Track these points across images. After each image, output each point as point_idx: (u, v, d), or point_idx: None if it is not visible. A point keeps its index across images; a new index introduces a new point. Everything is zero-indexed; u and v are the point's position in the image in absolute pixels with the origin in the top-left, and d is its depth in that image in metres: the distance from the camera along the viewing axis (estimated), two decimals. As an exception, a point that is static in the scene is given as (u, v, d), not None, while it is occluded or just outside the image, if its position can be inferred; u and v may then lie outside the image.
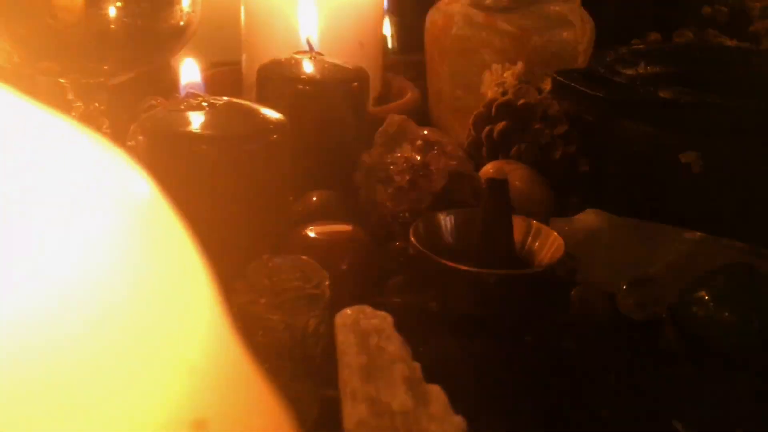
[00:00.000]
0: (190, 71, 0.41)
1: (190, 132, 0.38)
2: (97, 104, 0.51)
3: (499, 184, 0.41)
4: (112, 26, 0.46)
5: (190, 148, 0.38)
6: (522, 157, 0.58)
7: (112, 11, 0.45)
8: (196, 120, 0.39)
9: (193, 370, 0.12)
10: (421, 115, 0.74)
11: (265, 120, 0.41)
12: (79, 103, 0.51)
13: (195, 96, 0.40)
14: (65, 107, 0.51)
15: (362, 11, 0.69)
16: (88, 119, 0.51)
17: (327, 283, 0.37)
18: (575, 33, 0.67)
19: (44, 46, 0.46)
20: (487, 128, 0.60)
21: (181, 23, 0.48)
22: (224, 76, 0.74)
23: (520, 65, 0.63)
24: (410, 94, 0.73)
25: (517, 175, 0.55)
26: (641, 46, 0.61)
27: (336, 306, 0.38)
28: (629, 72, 0.56)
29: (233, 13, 0.72)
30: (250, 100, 0.70)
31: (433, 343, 0.40)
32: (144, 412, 0.12)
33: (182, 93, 0.40)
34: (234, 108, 0.41)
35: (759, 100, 0.45)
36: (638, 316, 0.43)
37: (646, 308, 0.43)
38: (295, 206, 0.46)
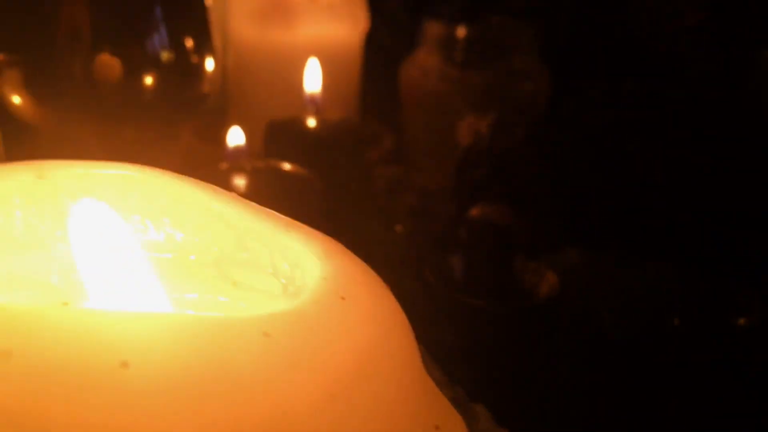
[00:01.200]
0: (236, 137, 0.46)
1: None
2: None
3: (501, 230, 0.47)
4: (147, 96, 0.50)
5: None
6: (503, 199, 0.65)
7: (147, 81, 0.50)
8: (242, 183, 0.44)
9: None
10: (398, 158, 0.80)
11: (304, 180, 0.46)
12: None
13: (240, 160, 0.45)
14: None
15: (343, 62, 0.75)
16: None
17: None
18: (536, 84, 0.75)
19: (81, 113, 0.50)
20: (468, 175, 0.67)
21: (206, 90, 0.53)
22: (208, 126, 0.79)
23: (492, 116, 0.70)
24: (387, 140, 0.79)
25: (501, 216, 0.62)
26: (595, 96, 0.69)
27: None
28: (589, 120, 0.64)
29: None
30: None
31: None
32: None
33: (229, 157, 0.45)
34: (274, 170, 0.46)
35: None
36: (621, 336, 0.50)
37: (628, 330, 0.50)
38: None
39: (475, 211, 0.63)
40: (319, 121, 0.60)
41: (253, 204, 0.23)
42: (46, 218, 0.20)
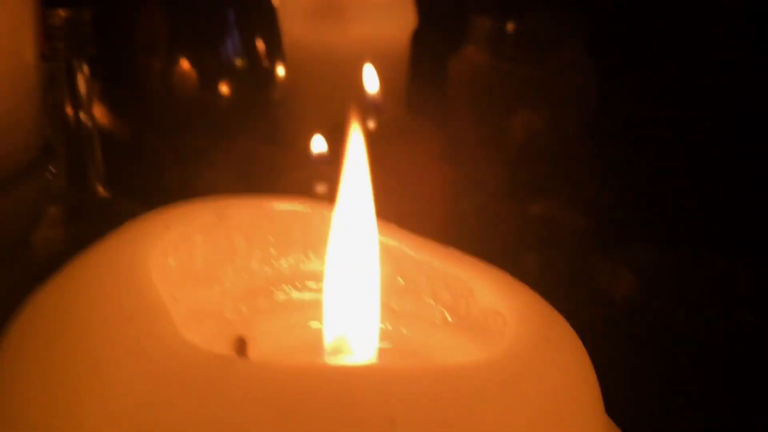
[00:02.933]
0: (318, 144, 0.46)
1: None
2: (191, 170, 0.55)
3: (573, 228, 0.47)
4: (219, 101, 0.51)
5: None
6: (561, 197, 0.65)
7: (218, 88, 0.50)
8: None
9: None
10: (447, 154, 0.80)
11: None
12: (175, 168, 0.55)
13: (322, 168, 0.45)
14: (161, 172, 0.56)
15: (393, 62, 0.75)
16: (183, 185, 0.56)
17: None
18: (586, 77, 0.75)
19: (160, 119, 0.50)
20: (525, 173, 0.67)
21: (278, 96, 0.53)
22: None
23: (546, 111, 0.70)
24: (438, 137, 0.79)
25: (561, 213, 0.62)
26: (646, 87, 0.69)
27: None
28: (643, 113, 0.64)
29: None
30: (291, 148, 0.76)
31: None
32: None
33: (312, 165, 0.45)
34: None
35: None
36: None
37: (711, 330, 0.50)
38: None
39: (538, 209, 0.63)
40: (380, 123, 0.60)
41: (410, 233, 0.23)
42: (221, 253, 0.21)
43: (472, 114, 0.76)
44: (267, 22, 0.51)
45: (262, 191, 0.62)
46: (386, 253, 0.22)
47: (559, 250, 0.51)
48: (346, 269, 0.20)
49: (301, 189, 0.45)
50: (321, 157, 0.46)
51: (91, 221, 0.37)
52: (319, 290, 0.22)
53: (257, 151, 0.71)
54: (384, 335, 0.22)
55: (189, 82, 0.48)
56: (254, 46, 0.50)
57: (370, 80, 0.60)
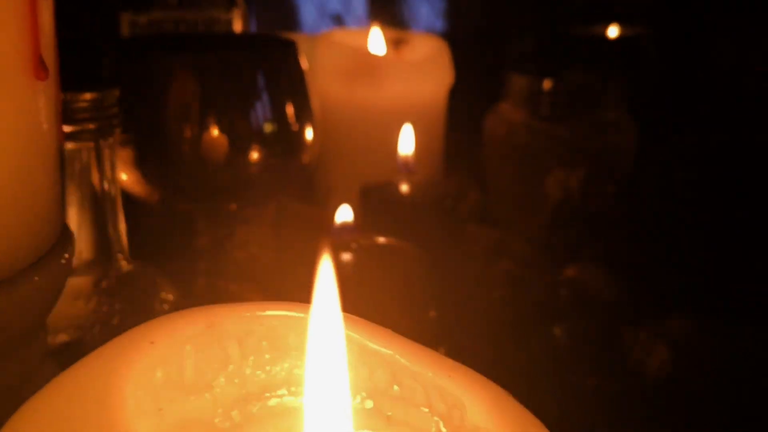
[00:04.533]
0: (345, 214, 0.46)
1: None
2: (224, 230, 0.56)
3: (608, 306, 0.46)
4: (251, 168, 0.51)
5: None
6: (595, 261, 0.64)
7: (252, 155, 0.51)
8: (347, 261, 0.44)
9: None
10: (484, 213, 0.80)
11: (408, 258, 0.46)
12: (207, 231, 0.56)
13: (345, 236, 0.45)
14: (193, 234, 0.57)
15: (429, 117, 0.76)
16: (215, 244, 0.56)
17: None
18: (623, 137, 0.74)
19: (191, 190, 0.51)
20: (561, 233, 0.66)
21: (307, 160, 0.54)
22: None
23: (582, 170, 0.69)
24: (473, 195, 0.78)
25: (595, 278, 0.61)
26: (684, 148, 0.68)
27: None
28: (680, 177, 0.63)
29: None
30: (324, 205, 0.77)
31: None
32: None
33: (336, 232, 0.46)
34: (378, 247, 0.46)
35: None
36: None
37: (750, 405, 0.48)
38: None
39: (570, 274, 0.62)
40: (413, 185, 0.60)
41: (408, 340, 0.23)
42: (212, 362, 0.21)
43: (507, 173, 0.75)
44: (297, 86, 0.52)
45: (293, 250, 0.61)
46: (383, 362, 0.22)
47: (591, 319, 0.49)
48: (322, 375, 0.20)
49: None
50: (344, 227, 0.46)
51: (114, 295, 0.38)
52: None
53: (290, 208, 0.71)
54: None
55: (220, 148, 0.49)
56: (284, 110, 0.51)
57: (406, 141, 0.61)
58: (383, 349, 0.22)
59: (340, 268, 0.45)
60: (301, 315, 0.22)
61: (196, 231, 0.56)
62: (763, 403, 0.46)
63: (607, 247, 0.64)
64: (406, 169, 0.60)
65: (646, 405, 0.45)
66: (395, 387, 0.22)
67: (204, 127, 0.50)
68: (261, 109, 0.51)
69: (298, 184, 0.55)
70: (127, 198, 0.53)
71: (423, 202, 0.58)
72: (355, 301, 0.45)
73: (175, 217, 0.57)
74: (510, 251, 0.56)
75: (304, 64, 0.54)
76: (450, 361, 0.22)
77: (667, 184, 0.64)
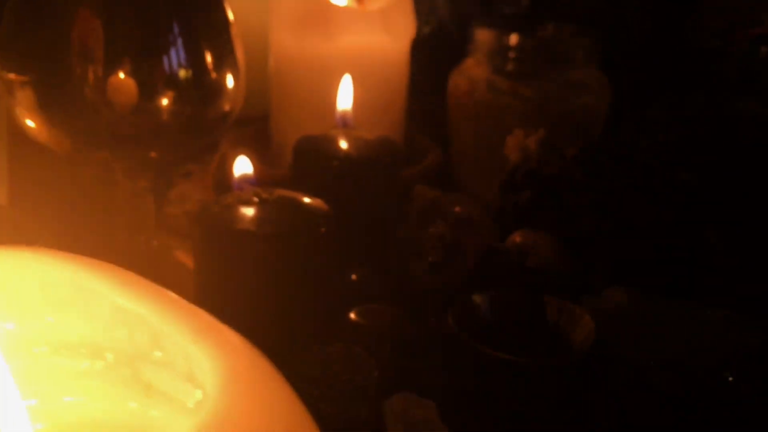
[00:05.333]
0: (243, 166, 0.43)
1: (245, 229, 0.40)
2: (143, 182, 0.53)
3: (532, 275, 0.43)
4: (163, 116, 0.48)
5: (244, 244, 0.40)
6: (547, 227, 0.60)
7: (162, 102, 0.48)
8: (250, 215, 0.41)
9: None
10: (444, 175, 0.76)
11: (314, 212, 0.43)
12: (125, 182, 0.53)
13: (248, 190, 0.42)
14: (113, 186, 0.54)
15: (389, 73, 0.72)
16: (134, 197, 0.54)
17: (376, 373, 0.39)
18: (594, 97, 0.69)
19: (99, 137, 0.48)
20: (512, 196, 0.62)
21: (227, 108, 0.51)
22: (251, 136, 0.77)
23: (541, 132, 0.65)
24: (432, 156, 0.75)
25: (543, 245, 0.57)
26: (655, 114, 0.64)
27: (382, 391, 0.40)
28: (647, 143, 0.58)
29: (259, 65, 0.75)
30: (279, 162, 0.73)
31: (479, 428, 0.42)
32: None
33: (235, 187, 0.43)
34: (283, 201, 0.43)
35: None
36: (669, 394, 0.45)
37: (677, 387, 0.45)
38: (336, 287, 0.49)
39: (511, 242, 0.58)
40: (352, 140, 0.56)
41: (173, 296, 0.19)
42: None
43: (468, 133, 0.72)
44: (217, 30, 0.48)
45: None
46: (142, 321, 0.19)
47: (516, 291, 0.46)
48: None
49: (223, 214, 0.42)
50: (244, 179, 0.42)
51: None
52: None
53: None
54: (130, 416, 0.19)
55: (127, 93, 0.46)
56: (201, 56, 0.47)
57: (344, 94, 0.57)
58: (142, 309, 0.19)
59: (237, 221, 0.42)
60: (37, 262, 0.19)
61: (116, 181, 0.53)
62: (686, 380, 0.42)
63: (560, 214, 0.60)
64: (343, 123, 0.57)
65: (568, 380, 0.42)
66: (157, 352, 0.19)
67: (110, 70, 0.46)
68: (174, 52, 0.47)
69: (218, 134, 0.51)
70: (35, 144, 0.50)
71: (361, 158, 0.55)
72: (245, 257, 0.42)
73: (93, 167, 0.55)
74: (447, 214, 0.53)
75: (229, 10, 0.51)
76: (209, 318, 0.19)
77: (633, 150, 0.60)
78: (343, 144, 0.56)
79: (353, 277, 0.49)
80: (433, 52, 0.76)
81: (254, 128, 0.78)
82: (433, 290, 0.51)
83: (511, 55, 0.68)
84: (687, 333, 0.47)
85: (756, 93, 0.83)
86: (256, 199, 0.41)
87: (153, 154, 0.51)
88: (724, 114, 0.68)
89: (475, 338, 0.43)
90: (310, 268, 0.42)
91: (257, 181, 0.43)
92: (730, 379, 0.43)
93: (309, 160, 0.55)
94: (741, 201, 0.50)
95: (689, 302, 0.48)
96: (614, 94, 0.73)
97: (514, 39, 0.69)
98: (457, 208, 0.53)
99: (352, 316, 0.43)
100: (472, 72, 0.71)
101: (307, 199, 0.45)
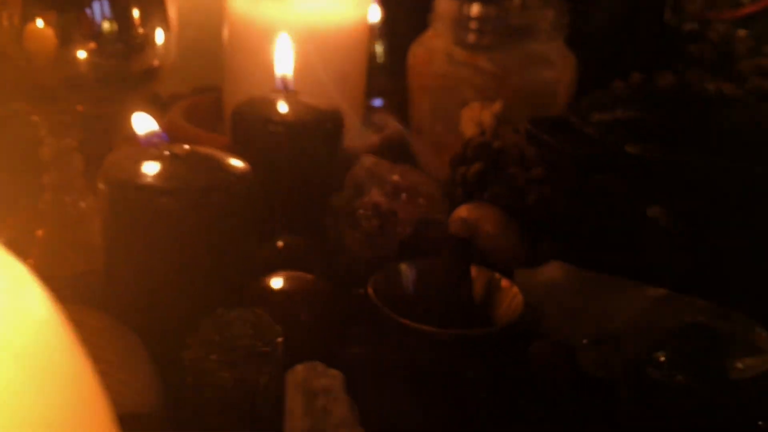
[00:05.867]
0: (143, 122, 0.41)
1: (151, 184, 0.38)
2: (69, 140, 0.51)
3: (460, 244, 0.41)
4: (84, 68, 0.46)
5: (150, 200, 0.38)
6: (495, 201, 0.58)
7: (82, 53, 0.46)
8: (158, 171, 0.39)
9: None
10: (405, 148, 0.74)
11: (229, 170, 0.41)
12: (51, 140, 0.51)
13: (158, 145, 0.40)
14: (37, 143, 0.52)
15: (346, 42, 0.70)
16: (61, 155, 0.51)
17: (280, 339, 0.37)
18: (556, 72, 0.67)
19: (16, 87, 0.46)
20: (462, 169, 0.60)
21: (155, 63, 0.48)
22: (205, 105, 0.75)
23: (497, 105, 0.63)
24: (391, 128, 0.73)
25: (488, 219, 0.55)
26: (619, 90, 0.61)
27: (295, 359, 0.38)
28: (604, 118, 0.56)
29: (216, 37, 0.73)
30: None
31: (389, 400, 0.40)
32: None
33: (143, 143, 0.40)
34: (197, 158, 0.41)
35: (726, 158, 0.45)
36: (598, 373, 0.43)
37: (606, 366, 0.43)
38: (260, 253, 0.47)
39: (456, 215, 0.56)
40: (292, 104, 0.54)
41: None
42: None
43: (426, 105, 0.69)
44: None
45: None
46: None
47: (443, 263, 0.44)
48: None
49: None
50: (152, 136, 0.40)
51: None
52: None
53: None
54: None
55: (45, 43, 0.44)
56: (127, 9, 0.45)
57: (282, 56, 0.55)
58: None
59: (142, 176, 0.40)
60: None
61: (40, 139, 0.51)
62: (610, 360, 0.41)
63: (508, 188, 0.58)
64: (284, 86, 0.55)
65: (487, 352, 0.40)
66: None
67: (27, 18, 0.44)
68: (98, 3, 0.45)
69: (146, 89, 0.49)
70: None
71: (297, 123, 0.53)
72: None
73: (17, 123, 0.52)
74: (384, 183, 0.51)
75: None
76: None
77: (595, 127, 0.57)
78: (282, 108, 0.54)
79: (280, 244, 0.47)
80: (398, 25, 0.74)
81: (214, 96, 0.76)
82: (366, 260, 0.49)
83: (473, 25, 0.66)
84: (621, 311, 0.45)
85: (731, 75, 0.81)
86: (167, 154, 0.39)
87: (80, 108, 0.49)
88: (690, 94, 0.66)
89: (394, 307, 0.41)
90: (224, 228, 0.40)
91: (169, 137, 0.40)
92: (662, 359, 0.41)
93: (246, 124, 0.53)
94: (693, 180, 0.47)
95: (629, 280, 0.46)
96: (582, 70, 0.71)
97: (475, 9, 0.66)
98: (395, 177, 0.51)
99: (268, 281, 0.41)
100: (432, 43, 0.68)
101: (227, 158, 0.42)
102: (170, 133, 0.67)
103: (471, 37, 0.67)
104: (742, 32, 0.84)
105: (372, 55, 0.94)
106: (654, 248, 0.47)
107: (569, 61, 0.69)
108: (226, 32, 0.69)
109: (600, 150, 0.47)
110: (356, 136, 0.70)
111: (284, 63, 0.54)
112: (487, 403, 0.40)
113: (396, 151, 0.72)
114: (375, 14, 0.88)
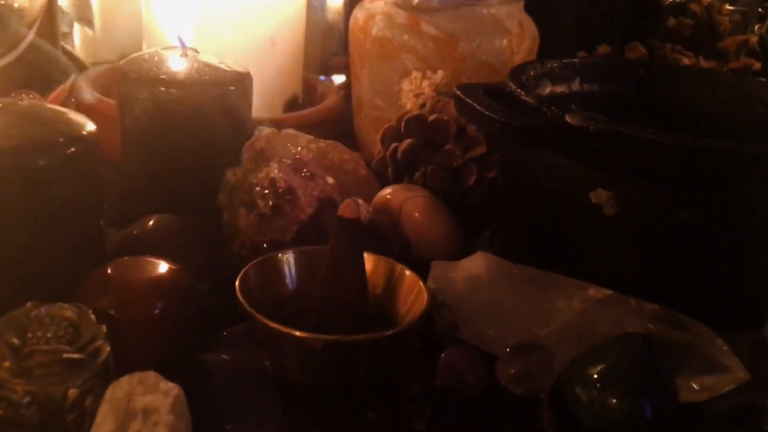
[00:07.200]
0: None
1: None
2: None
3: (347, 224, 0.33)
4: None
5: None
6: (428, 182, 0.50)
7: None
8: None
9: None
10: (346, 124, 0.66)
11: (68, 128, 0.33)
12: None
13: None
14: None
15: (274, 5, 0.62)
16: None
17: (99, 344, 0.29)
18: (511, 40, 0.59)
19: None
20: (393, 146, 0.52)
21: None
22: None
23: (440, 74, 0.55)
24: (329, 101, 0.65)
25: (415, 203, 0.48)
26: (576, 60, 0.53)
27: (137, 366, 0.31)
28: (552, 90, 0.48)
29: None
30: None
31: (260, 412, 0.32)
32: None
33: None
34: (34, 112, 0.33)
35: (681, 134, 0.37)
36: (518, 390, 0.35)
37: (528, 381, 0.35)
38: (124, 234, 0.39)
39: (379, 198, 0.48)
40: (188, 62, 0.46)
41: None
42: None
43: (365, 75, 0.61)
44: None
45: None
46: None
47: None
48: None
49: None
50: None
51: None
52: None
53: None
54: None
55: None
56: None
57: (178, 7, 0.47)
58: None
59: None
60: None
61: None
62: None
63: (444, 170, 0.50)
64: (180, 43, 0.47)
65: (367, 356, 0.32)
66: None
67: None
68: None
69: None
70: None
71: (190, 84, 0.45)
72: None
73: None
74: (283, 156, 0.43)
75: None
76: None
77: (537, 97, 0.49)
78: (175, 65, 0.46)
79: (150, 224, 0.39)
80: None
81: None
82: (260, 245, 0.41)
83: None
84: (555, 314, 0.37)
85: (713, 52, 0.73)
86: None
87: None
88: (661, 68, 0.58)
89: (269, 305, 0.33)
90: (57, 198, 0.32)
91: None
92: (595, 376, 0.33)
93: (129, 84, 0.45)
94: (644, 159, 0.39)
95: (567, 277, 0.38)
96: (546, 40, 0.63)
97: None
98: (298, 149, 0.43)
99: (111, 269, 0.33)
100: (372, 4, 0.60)
101: (70, 113, 0.35)
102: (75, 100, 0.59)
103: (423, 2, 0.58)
104: (727, 7, 0.77)
105: (334, 30, 0.86)
106: (597, 239, 0.39)
107: (528, 29, 0.61)
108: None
109: (536, 121, 0.39)
110: (281, 107, 0.63)
111: (182, 16, 0.46)
112: (374, 424, 0.32)
113: (332, 127, 0.64)
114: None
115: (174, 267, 0.35)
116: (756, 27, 0.75)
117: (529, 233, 0.44)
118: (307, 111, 0.61)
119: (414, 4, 0.58)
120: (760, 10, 0.75)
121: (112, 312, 0.32)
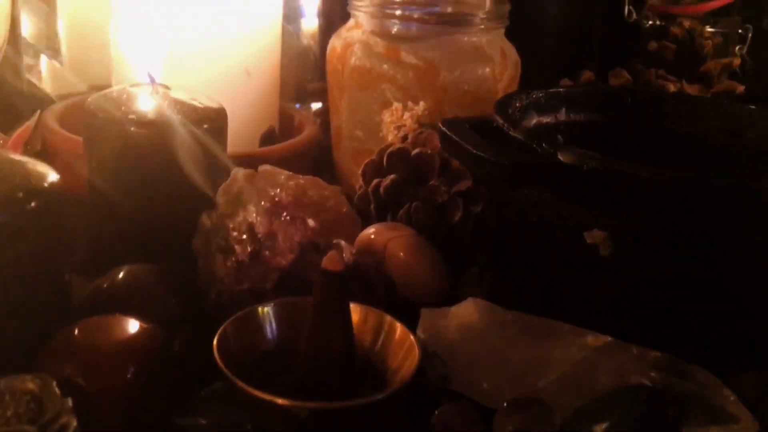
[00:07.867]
0: None
1: None
2: None
3: (332, 278, 0.31)
4: None
5: None
6: (413, 219, 0.48)
7: None
8: None
9: None
10: (325, 154, 0.64)
11: (27, 181, 0.31)
12: None
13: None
14: None
15: (249, 34, 0.60)
16: None
17: (64, 419, 0.27)
18: (493, 68, 0.57)
19: None
20: (375, 182, 0.50)
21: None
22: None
23: (422, 105, 0.53)
24: (307, 132, 0.63)
25: (400, 243, 0.45)
26: (562, 90, 0.52)
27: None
28: (539, 121, 0.47)
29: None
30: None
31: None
32: None
33: None
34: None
35: (677, 170, 0.35)
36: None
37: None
38: (93, 288, 0.36)
39: (362, 238, 0.46)
40: (159, 100, 0.44)
41: None
42: None
43: (342, 106, 0.59)
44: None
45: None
46: None
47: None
48: None
49: None
50: None
51: None
52: None
53: None
54: None
55: None
56: None
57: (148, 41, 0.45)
58: None
59: None
60: None
61: None
62: None
63: (429, 207, 0.48)
64: (150, 79, 0.44)
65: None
66: None
67: None
68: None
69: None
70: None
71: (161, 123, 0.42)
72: None
73: None
74: (262, 199, 0.41)
75: None
76: None
77: (525, 131, 0.48)
78: (144, 104, 0.43)
79: (120, 276, 0.37)
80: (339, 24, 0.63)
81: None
82: (239, 295, 0.39)
83: (396, 12, 0.56)
84: (553, 364, 0.35)
85: (696, 76, 0.72)
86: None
87: None
88: (647, 95, 0.56)
89: (249, 366, 0.31)
90: (5, 260, 0.29)
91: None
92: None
93: (98, 123, 0.43)
94: (640, 197, 0.38)
95: (564, 324, 0.36)
96: (528, 68, 0.61)
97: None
98: (276, 190, 0.40)
99: (76, 332, 0.31)
100: (350, 33, 0.58)
101: (30, 165, 0.32)
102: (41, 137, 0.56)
103: (394, 27, 0.57)
104: (708, 29, 0.76)
105: (308, 55, 0.84)
106: (593, 283, 0.37)
107: (510, 56, 0.59)
108: (112, 25, 0.59)
109: (527, 159, 0.37)
110: (257, 141, 0.60)
111: (152, 50, 0.44)
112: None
113: (311, 158, 0.62)
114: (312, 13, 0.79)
115: (146, 326, 0.32)
116: (737, 48, 0.74)
117: (519, 274, 0.42)
118: (285, 144, 0.59)
119: (393, 32, 0.56)
120: (740, 31, 0.75)
121: (79, 380, 0.29)
